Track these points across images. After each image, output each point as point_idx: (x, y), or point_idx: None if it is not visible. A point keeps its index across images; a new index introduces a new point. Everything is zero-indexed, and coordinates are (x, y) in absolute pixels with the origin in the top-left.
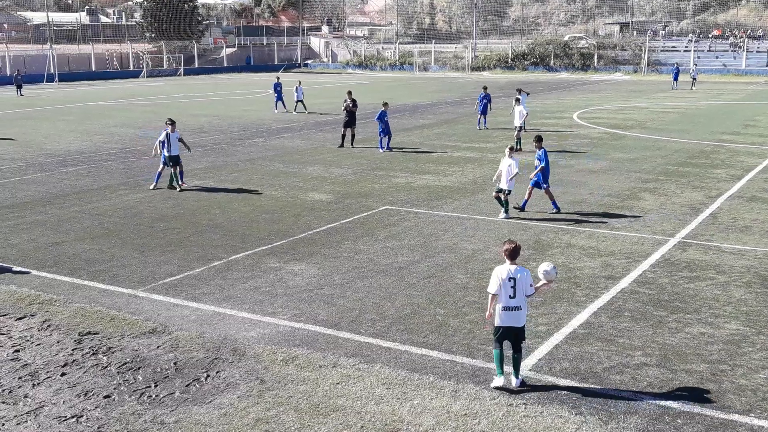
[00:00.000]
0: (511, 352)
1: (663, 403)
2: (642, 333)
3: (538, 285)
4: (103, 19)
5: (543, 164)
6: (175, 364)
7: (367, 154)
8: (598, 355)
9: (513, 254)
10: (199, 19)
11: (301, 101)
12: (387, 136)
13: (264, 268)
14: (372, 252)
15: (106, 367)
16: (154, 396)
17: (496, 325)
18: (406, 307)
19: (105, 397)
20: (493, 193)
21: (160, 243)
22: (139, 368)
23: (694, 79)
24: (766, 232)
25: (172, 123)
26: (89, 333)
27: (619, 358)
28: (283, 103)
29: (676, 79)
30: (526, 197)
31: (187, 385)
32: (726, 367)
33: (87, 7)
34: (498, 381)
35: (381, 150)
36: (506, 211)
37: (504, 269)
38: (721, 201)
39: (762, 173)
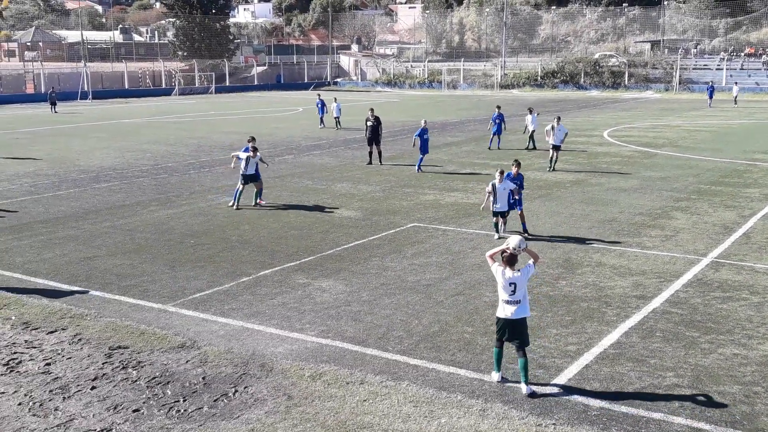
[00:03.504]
0: (518, 358)
1: (695, 424)
2: (674, 353)
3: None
4: (136, 37)
5: (520, 188)
6: (203, 378)
7: (395, 172)
8: (628, 375)
9: (511, 262)
10: (231, 37)
11: (338, 118)
12: (423, 155)
13: (292, 284)
14: (400, 269)
15: (136, 381)
16: (182, 410)
17: (497, 316)
18: (433, 324)
19: (134, 411)
20: (493, 219)
21: (190, 258)
22: (168, 383)
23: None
24: None
25: (255, 149)
26: (119, 347)
27: (651, 379)
28: (322, 119)
29: (711, 96)
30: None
31: (215, 400)
32: (760, 389)
33: (120, 26)
34: (495, 376)
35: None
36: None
37: (507, 272)
38: (754, 220)
39: None
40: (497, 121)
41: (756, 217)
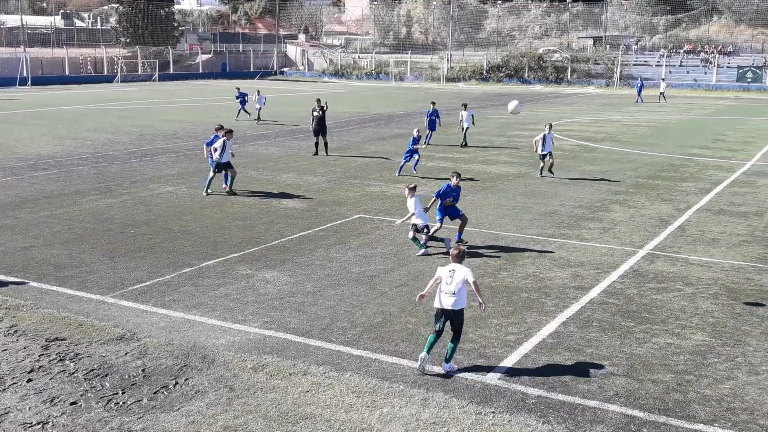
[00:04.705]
0: (450, 340)
1: (629, 412)
2: (610, 343)
3: (473, 283)
4: (78, 23)
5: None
6: (143, 371)
7: (341, 163)
8: (566, 364)
9: (459, 258)
10: (175, 24)
11: (260, 110)
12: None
13: (235, 275)
14: (345, 260)
15: (73, 373)
16: (121, 403)
17: (435, 306)
18: (377, 315)
19: (72, 403)
20: (410, 234)
21: (131, 249)
22: (106, 375)
23: (662, 93)
24: (733, 245)
25: (230, 131)
26: (56, 339)
27: (587, 368)
28: (246, 111)
29: (639, 92)
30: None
31: (155, 393)
32: (692, 377)
33: (62, 11)
34: (423, 354)
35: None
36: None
37: (448, 265)
38: (689, 214)
39: (730, 187)
40: (432, 117)
41: (691, 210)
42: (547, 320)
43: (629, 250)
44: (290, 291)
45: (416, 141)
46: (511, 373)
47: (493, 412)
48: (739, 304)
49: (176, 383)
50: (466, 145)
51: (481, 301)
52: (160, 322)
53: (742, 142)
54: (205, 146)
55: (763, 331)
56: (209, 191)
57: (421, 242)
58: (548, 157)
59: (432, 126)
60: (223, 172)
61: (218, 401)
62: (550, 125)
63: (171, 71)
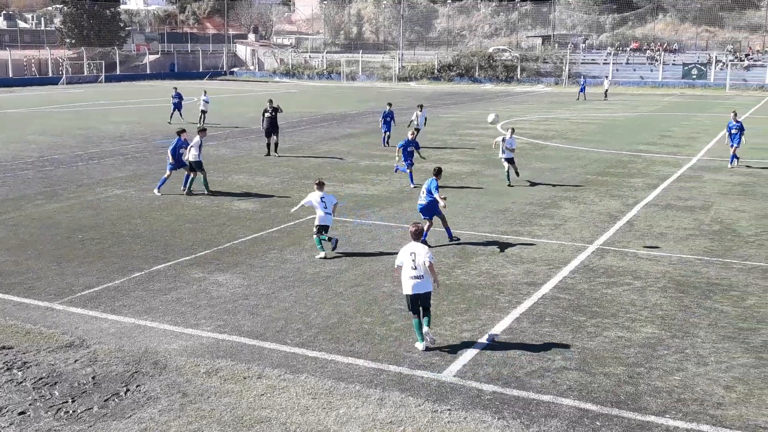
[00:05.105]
0: (422, 317)
1: (582, 405)
2: (562, 337)
3: (430, 265)
4: (21, 24)
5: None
6: (93, 378)
7: (293, 163)
8: (520, 359)
9: (417, 235)
10: (122, 25)
11: (205, 112)
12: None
13: (187, 279)
14: (299, 261)
15: (21, 382)
16: (71, 412)
17: (404, 293)
18: (332, 316)
19: (20, 413)
20: (314, 235)
21: (79, 254)
22: (55, 383)
23: (606, 91)
24: (680, 238)
25: (204, 130)
26: (3, 347)
27: (540, 363)
28: (180, 113)
29: (582, 90)
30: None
31: (105, 400)
32: (642, 369)
33: (4, 11)
34: (419, 345)
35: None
36: (325, 248)
37: (407, 247)
38: (637, 209)
39: (676, 182)
40: (387, 119)
41: (639, 205)
42: (500, 316)
43: (580, 246)
44: (243, 294)
45: (410, 144)
46: (466, 370)
47: (449, 410)
48: (688, 297)
49: (127, 390)
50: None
51: (435, 282)
52: (110, 328)
53: (688, 138)
54: (169, 153)
55: (711, 322)
56: (191, 189)
57: (330, 242)
58: (507, 163)
59: (387, 127)
60: (182, 171)
61: (171, 407)
62: (512, 129)
63: (118, 72)
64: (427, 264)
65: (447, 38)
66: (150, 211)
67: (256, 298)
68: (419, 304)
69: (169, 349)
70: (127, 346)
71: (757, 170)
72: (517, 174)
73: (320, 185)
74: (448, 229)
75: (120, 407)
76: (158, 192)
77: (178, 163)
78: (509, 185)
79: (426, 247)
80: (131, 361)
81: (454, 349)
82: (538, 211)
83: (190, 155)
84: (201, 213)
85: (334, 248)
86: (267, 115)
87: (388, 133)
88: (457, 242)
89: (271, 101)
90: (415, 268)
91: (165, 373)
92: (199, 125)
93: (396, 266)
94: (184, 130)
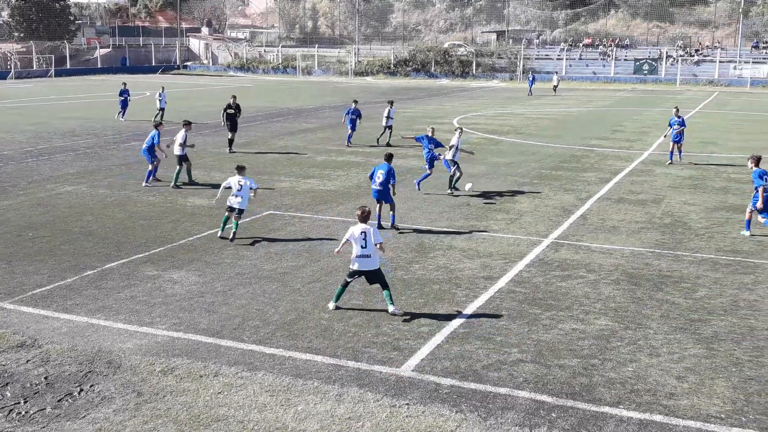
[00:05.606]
0: (383, 290)
1: (538, 397)
2: (518, 330)
3: (380, 245)
4: None
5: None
6: (45, 378)
7: (250, 158)
8: (477, 353)
9: (364, 218)
10: (72, 18)
11: (162, 109)
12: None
13: (141, 277)
14: (255, 258)
15: None
16: (23, 413)
17: (351, 269)
18: (290, 312)
19: None
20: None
21: (29, 252)
22: (6, 384)
23: (556, 86)
24: (632, 231)
25: (189, 123)
26: None
27: (497, 356)
28: (123, 112)
29: (531, 85)
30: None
31: (59, 401)
32: (596, 361)
33: None
34: (331, 305)
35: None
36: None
37: (358, 227)
38: (590, 203)
39: (628, 176)
40: (353, 116)
41: (592, 199)
42: (458, 311)
43: (535, 240)
44: (199, 291)
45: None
46: (424, 364)
47: (407, 404)
48: (640, 289)
49: (81, 390)
50: (389, 144)
51: (381, 250)
52: (62, 327)
53: (640, 133)
54: (146, 150)
55: (663, 314)
56: (178, 183)
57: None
58: (453, 167)
59: (353, 125)
60: (153, 165)
61: (126, 407)
62: (461, 129)
63: (68, 66)
64: (379, 244)
65: (403, 33)
66: (102, 207)
67: (212, 296)
68: (363, 279)
69: (123, 348)
70: (80, 346)
71: (706, 165)
72: (455, 186)
73: (240, 169)
74: (393, 216)
75: (74, 407)
76: (146, 184)
77: (151, 155)
78: (451, 193)
79: (376, 229)
80: (85, 361)
81: (412, 344)
82: (494, 206)
83: (175, 149)
84: (154, 209)
85: (231, 239)
86: (230, 111)
87: (353, 131)
88: (398, 230)
89: (234, 97)
90: (365, 247)
91: (119, 372)
92: (155, 120)
93: (344, 241)
94: (161, 123)
